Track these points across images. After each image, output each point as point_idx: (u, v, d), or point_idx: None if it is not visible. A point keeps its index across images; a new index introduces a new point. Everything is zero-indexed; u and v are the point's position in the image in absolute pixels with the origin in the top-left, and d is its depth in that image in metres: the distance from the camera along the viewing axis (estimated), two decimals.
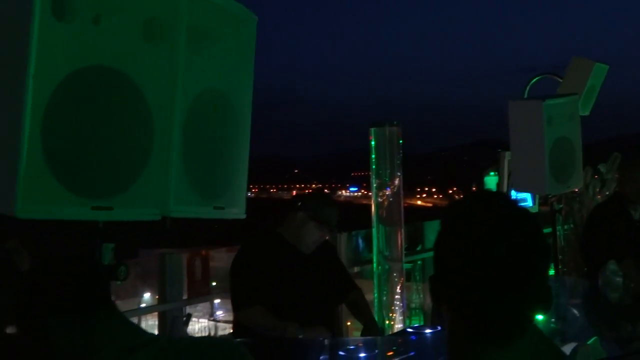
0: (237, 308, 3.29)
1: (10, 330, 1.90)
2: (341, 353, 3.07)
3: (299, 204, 3.45)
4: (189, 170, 2.02)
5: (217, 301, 6.81)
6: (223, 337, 4.28)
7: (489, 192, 1.29)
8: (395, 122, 5.69)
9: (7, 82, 1.74)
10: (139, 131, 1.88)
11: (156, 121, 1.92)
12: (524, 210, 1.21)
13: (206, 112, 2.08)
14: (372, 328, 3.70)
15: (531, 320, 1.18)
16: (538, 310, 1.18)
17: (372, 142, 5.69)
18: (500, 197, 1.26)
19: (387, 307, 5.63)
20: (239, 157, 2.23)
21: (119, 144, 1.83)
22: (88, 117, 1.77)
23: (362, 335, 3.67)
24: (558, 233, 5.89)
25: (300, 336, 3.14)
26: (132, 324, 1.67)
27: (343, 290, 3.73)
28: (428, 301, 6.62)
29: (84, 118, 1.76)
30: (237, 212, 2.22)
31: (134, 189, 1.87)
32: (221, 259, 6.03)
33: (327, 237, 3.52)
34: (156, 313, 4.91)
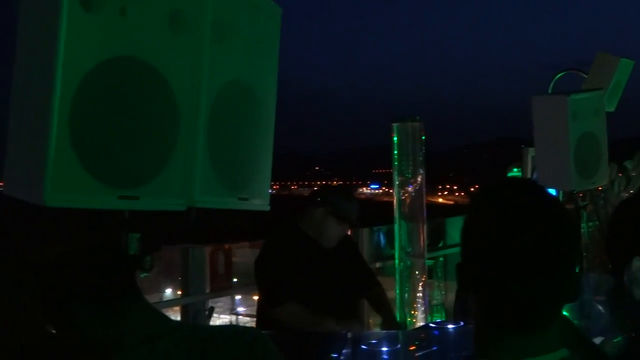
0: (272, 304, 3.28)
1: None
2: (363, 347, 3.07)
3: (319, 199, 3.46)
4: (214, 161, 2.03)
5: (238, 297, 6.83)
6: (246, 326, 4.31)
7: (519, 179, 1.27)
8: (417, 117, 5.66)
9: (36, 72, 1.77)
10: (165, 122, 1.90)
11: (182, 112, 1.93)
12: (554, 197, 1.20)
13: (231, 103, 2.09)
14: (392, 323, 3.72)
15: (560, 308, 1.17)
16: (566, 299, 1.17)
17: (395, 138, 5.65)
18: (530, 184, 1.25)
19: (409, 304, 5.61)
20: (263, 148, 2.24)
21: (145, 134, 1.85)
22: (115, 107, 1.79)
23: (381, 329, 3.68)
24: (583, 230, 5.83)
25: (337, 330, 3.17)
26: (158, 311, 1.68)
27: (365, 285, 3.74)
28: (450, 298, 6.59)
29: (111, 108, 1.78)
30: (261, 203, 2.23)
31: (160, 179, 1.89)
32: (243, 254, 6.05)
33: (348, 232, 3.53)
34: (179, 307, 4.95)
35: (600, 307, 3.63)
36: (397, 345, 3.14)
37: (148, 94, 1.86)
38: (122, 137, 1.80)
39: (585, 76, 5.96)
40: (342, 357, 2.94)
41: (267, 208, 2.24)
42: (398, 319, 4.88)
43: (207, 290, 4.98)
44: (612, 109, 5.65)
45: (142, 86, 1.84)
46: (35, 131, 1.75)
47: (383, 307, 3.77)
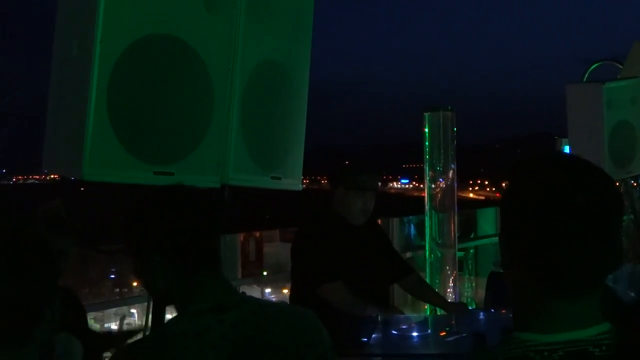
0: (320, 281, 3.29)
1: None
2: (394, 332, 3.07)
3: (335, 178, 3.50)
4: (248, 140, 2.05)
5: (268, 290, 6.88)
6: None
7: (560, 151, 1.26)
8: (449, 107, 5.60)
9: (75, 50, 1.81)
10: (200, 99, 1.93)
11: (217, 90, 1.96)
12: (598, 168, 1.19)
13: (265, 83, 2.11)
14: (452, 305, 3.77)
15: (604, 276, 1.15)
16: (609, 267, 1.16)
17: (426, 129, 5.61)
18: (573, 156, 1.24)
19: None
20: (296, 128, 2.26)
21: (181, 111, 1.88)
22: (152, 83, 1.82)
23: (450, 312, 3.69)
24: None
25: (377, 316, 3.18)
26: (231, 285, 1.67)
27: (399, 272, 3.74)
28: (480, 293, 6.55)
29: (148, 85, 1.81)
30: (294, 183, 2.25)
31: (195, 156, 1.92)
32: (274, 245, 6.09)
33: (372, 202, 3.53)
34: None
35: (632, 294, 3.59)
36: (427, 331, 3.13)
37: (183, 72, 1.89)
38: (158, 113, 1.83)
39: (621, 67, 5.87)
40: (372, 342, 2.94)
41: (300, 188, 2.25)
42: (427, 312, 4.86)
43: (239, 277, 5.03)
44: None
45: (177, 64, 1.87)
46: (74, 108, 1.79)
47: (431, 292, 3.82)
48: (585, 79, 6.29)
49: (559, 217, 1.10)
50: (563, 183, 1.12)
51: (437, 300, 3.81)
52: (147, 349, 1.48)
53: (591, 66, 6.50)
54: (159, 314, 1.92)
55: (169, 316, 1.82)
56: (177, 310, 1.58)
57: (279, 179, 2.18)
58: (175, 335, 1.48)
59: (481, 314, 3.45)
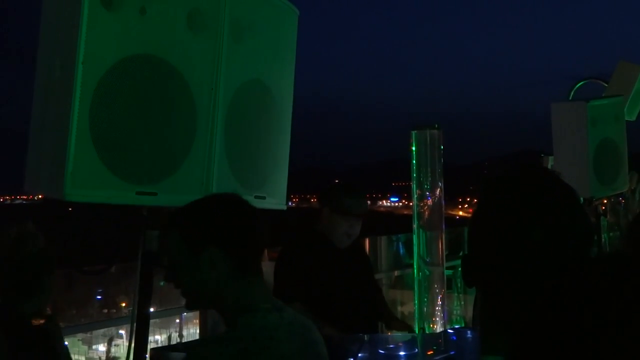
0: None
1: None
2: (381, 351, 3.06)
3: (322, 199, 3.46)
4: (231, 160, 2.05)
5: None
6: None
7: (532, 168, 1.20)
8: (436, 125, 5.64)
9: (57, 69, 1.80)
10: (183, 119, 1.93)
11: (199, 110, 1.96)
12: (566, 188, 1.15)
13: (248, 102, 2.12)
14: (400, 323, 3.72)
15: None
16: None
17: (413, 147, 5.63)
18: (543, 173, 1.20)
19: (428, 316, 5.57)
20: (280, 148, 2.26)
21: (163, 131, 1.88)
22: (134, 104, 1.82)
23: (390, 329, 3.65)
24: (603, 240, 5.76)
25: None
26: (269, 289, 1.91)
27: (373, 291, 3.75)
28: (469, 311, 6.54)
29: (130, 105, 1.81)
30: (278, 202, 2.25)
31: (178, 176, 1.91)
32: (263, 264, 6.06)
33: (357, 227, 3.47)
34: (197, 317, 4.95)
35: None
36: (414, 350, 3.12)
37: (166, 92, 1.89)
38: (140, 133, 1.83)
39: (606, 85, 5.93)
40: None
41: (284, 207, 2.25)
42: (417, 330, 4.83)
43: None
44: (632, 118, 5.60)
45: (160, 84, 1.87)
46: (56, 128, 1.78)
47: (385, 309, 3.81)
48: (571, 97, 6.35)
49: (515, 251, 1.07)
50: (522, 216, 1.08)
51: (387, 316, 3.77)
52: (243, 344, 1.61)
53: (577, 84, 6.57)
54: (142, 337, 1.92)
55: (152, 338, 1.84)
56: (217, 308, 1.77)
57: (263, 198, 2.18)
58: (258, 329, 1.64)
59: (468, 332, 3.45)
